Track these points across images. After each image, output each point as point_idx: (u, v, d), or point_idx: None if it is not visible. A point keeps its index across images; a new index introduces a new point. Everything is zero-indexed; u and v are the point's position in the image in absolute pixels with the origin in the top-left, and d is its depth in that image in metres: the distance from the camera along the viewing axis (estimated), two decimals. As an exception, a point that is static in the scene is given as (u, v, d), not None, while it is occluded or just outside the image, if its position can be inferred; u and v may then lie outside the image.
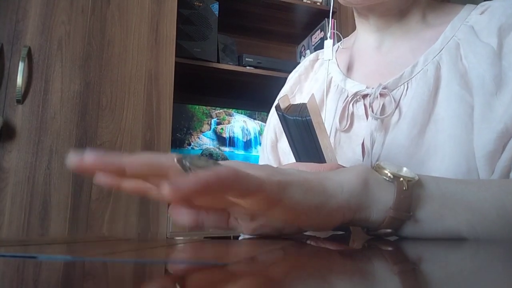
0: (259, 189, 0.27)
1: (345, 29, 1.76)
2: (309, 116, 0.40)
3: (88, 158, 0.26)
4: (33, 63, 1.23)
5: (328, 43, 0.62)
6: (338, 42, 0.70)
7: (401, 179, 0.33)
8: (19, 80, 1.18)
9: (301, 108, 0.42)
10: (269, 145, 0.67)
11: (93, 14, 1.33)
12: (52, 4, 1.28)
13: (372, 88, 0.54)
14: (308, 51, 1.90)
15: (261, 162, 0.70)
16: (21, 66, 1.19)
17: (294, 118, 0.42)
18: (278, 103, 0.44)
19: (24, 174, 1.17)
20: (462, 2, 0.57)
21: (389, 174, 0.34)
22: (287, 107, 0.44)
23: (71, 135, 1.24)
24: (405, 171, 0.34)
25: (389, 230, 0.33)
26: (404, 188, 0.33)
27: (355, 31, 0.65)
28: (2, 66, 1.20)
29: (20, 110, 1.20)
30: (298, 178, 0.31)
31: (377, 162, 0.35)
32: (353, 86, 0.58)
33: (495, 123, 0.44)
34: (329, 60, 0.62)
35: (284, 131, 0.45)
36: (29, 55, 1.23)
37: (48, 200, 1.17)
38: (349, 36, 0.69)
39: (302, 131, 0.42)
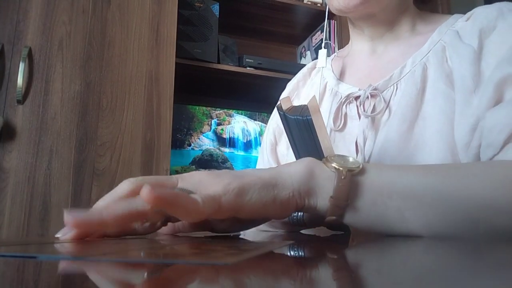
0: (201, 212, 0.30)
1: (345, 30, 1.76)
2: (310, 115, 0.40)
3: (69, 221, 0.29)
4: (33, 63, 1.23)
5: (322, 52, 0.67)
6: (337, 50, 0.74)
7: (341, 169, 0.35)
8: (20, 80, 1.18)
9: (302, 109, 0.43)
10: (268, 148, 0.70)
11: (93, 15, 1.33)
12: (53, 4, 1.29)
13: (364, 90, 0.57)
14: (308, 52, 1.90)
15: (259, 163, 0.74)
16: (21, 67, 1.19)
17: (295, 117, 0.42)
18: (280, 103, 0.45)
19: (24, 174, 1.17)
20: (451, 13, 0.60)
21: (333, 165, 0.36)
22: (288, 108, 0.45)
23: (71, 136, 1.24)
24: (351, 162, 0.36)
25: (333, 218, 0.36)
26: (343, 177, 0.35)
27: (350, 41, 0.70)
28: (3, 67, 1.20)
29: (20, 111, 1.20)
30: (252, 179, 0.34)
31: (326, 156, 0.37)
32: (346, 89, 0.61)
33: (469, 117, 0.46)
34: (322, 67, 0.67)
35: (285, 131, 0.46)
36: (30, 55, 1.23)
37: (48, 200, 1.17)
38: (344, 47, 0.73)
39: (302, 130, 0.42)
